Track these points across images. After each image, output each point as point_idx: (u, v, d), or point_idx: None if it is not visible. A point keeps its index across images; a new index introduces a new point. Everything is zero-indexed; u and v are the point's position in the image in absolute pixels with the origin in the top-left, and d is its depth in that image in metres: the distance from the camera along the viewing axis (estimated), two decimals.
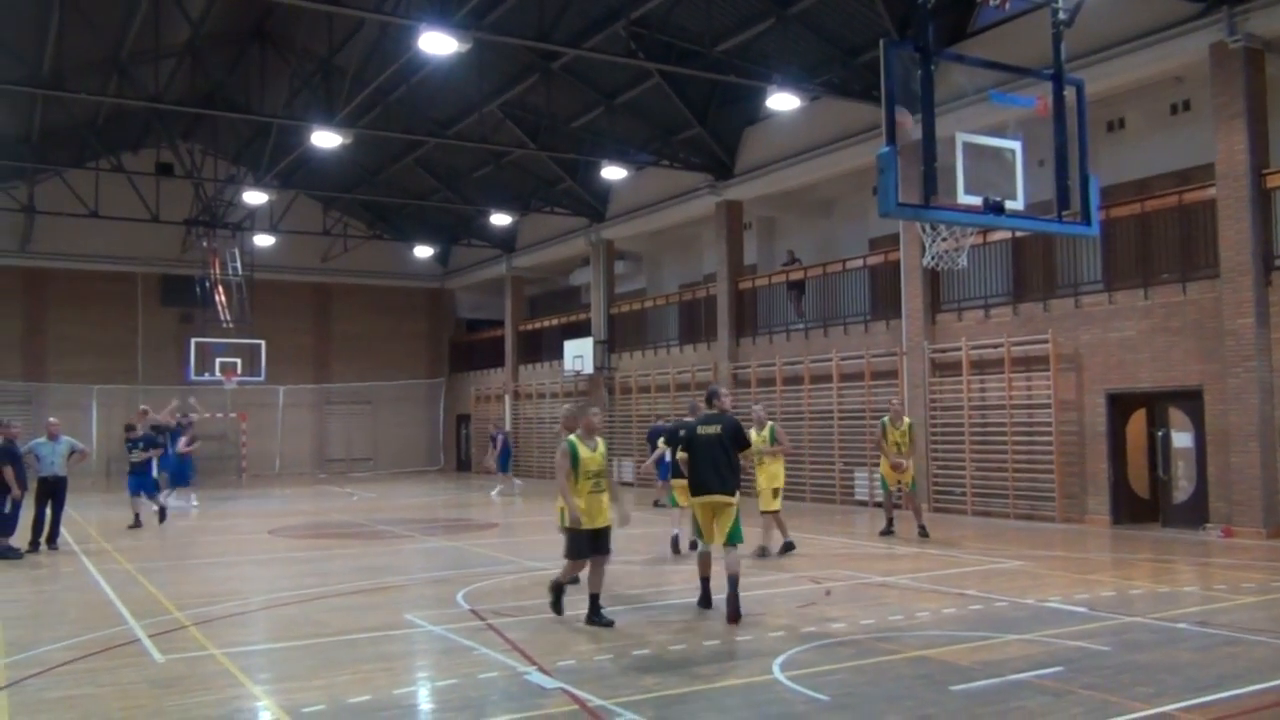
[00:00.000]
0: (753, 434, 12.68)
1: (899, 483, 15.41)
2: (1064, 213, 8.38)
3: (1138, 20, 15.69)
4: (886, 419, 15.39)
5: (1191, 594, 10.51)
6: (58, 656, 8.03)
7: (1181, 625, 8.70)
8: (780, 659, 7.57)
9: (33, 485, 15.07)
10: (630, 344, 28.55)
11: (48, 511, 15.06)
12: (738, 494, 9.58)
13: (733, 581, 9.13)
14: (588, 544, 9.13)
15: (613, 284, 30.03)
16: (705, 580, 9.82)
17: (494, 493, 25.35)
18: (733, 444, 9.59)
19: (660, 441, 14.57)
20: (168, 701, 6.72)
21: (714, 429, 9.62)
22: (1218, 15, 14.77)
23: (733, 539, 9.40)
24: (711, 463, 9.53)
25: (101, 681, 7.30)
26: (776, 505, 13.26)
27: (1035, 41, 12.53)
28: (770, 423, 13.69)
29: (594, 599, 9.11)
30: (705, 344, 25.42)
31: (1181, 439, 15.83)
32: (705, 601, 9.70)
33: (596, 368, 28.61)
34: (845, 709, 6.33)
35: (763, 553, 13.07)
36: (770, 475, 13.28)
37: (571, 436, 9.24)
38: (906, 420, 15.55)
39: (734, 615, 8.99)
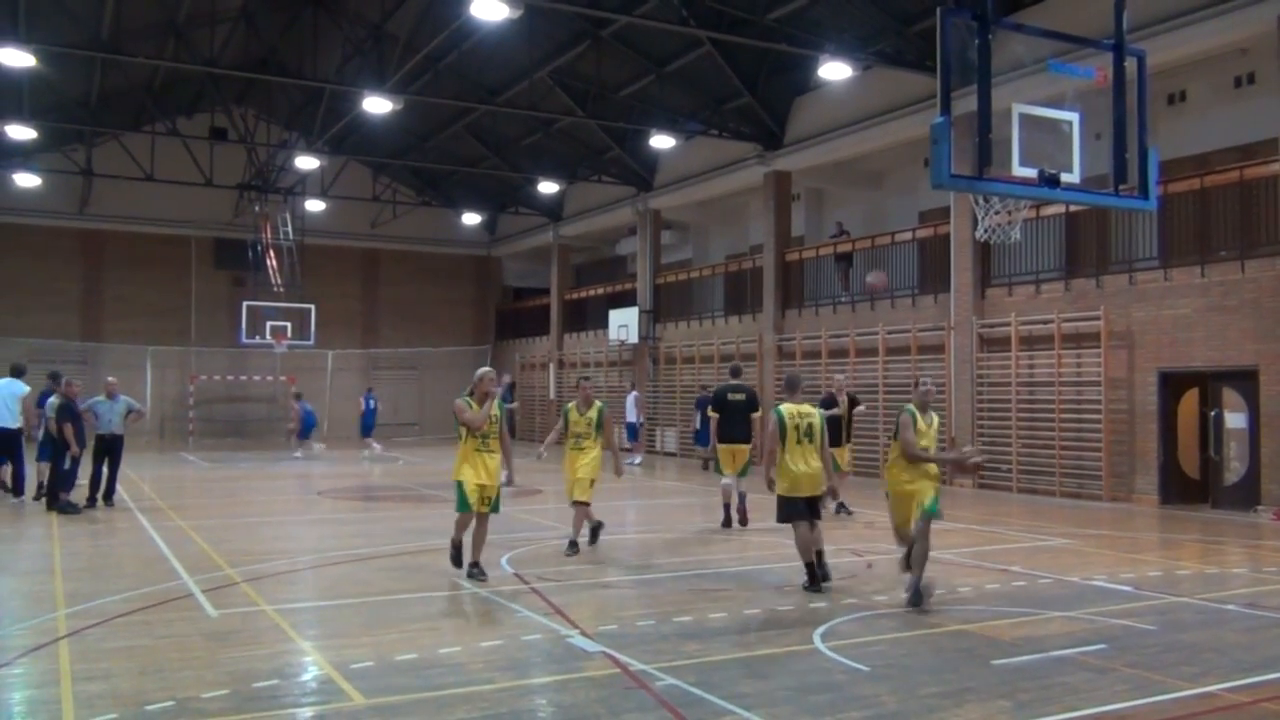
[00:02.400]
0: (573, 413, 11.69)
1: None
2: (1121, 187, 8.23)
3: None
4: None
5: (1240, 575, 10.37)
6: (115, 608, 8.27)
7: (1229, 607, 8.60)
8: (821, 629, 7.61)
9: (90, 443, 15.45)
10: (675, 314, 28.53)
11: (104, 468, 15.43)
12: (751, 442, 13.39)
13: (742, 497, 13.17)
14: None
15: (659, 253, 29.98)
16: (727, 506, 13.23)
17: (367, 454, 26.52)
18: (749, 408, 13.37)
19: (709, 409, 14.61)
20: (221, 654, 6.90)
21: (740, 396, 13.28)
22: None
23: (743, 472, 13.26)
24: (739, 420, 13.29)
25: (158, 633, 7.50)
26: (588, 496, 11.33)
27: (1096, 11, 12.28)
28: (598, 403, 11.77)
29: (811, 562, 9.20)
30: (751, 315, 25.34)
31: (1235, 419, 15.56)
32: (727, 522, 13.16)
33: (641, 337, 28.66)
34: (885, 680, 6.35)
35: (574, 548, 11.21)
36: (589, 464, 11.36)
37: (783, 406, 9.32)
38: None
39: (743, 519, 13.09)
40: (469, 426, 9.59)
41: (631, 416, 26.06)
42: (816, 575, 9.11)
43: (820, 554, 9.18)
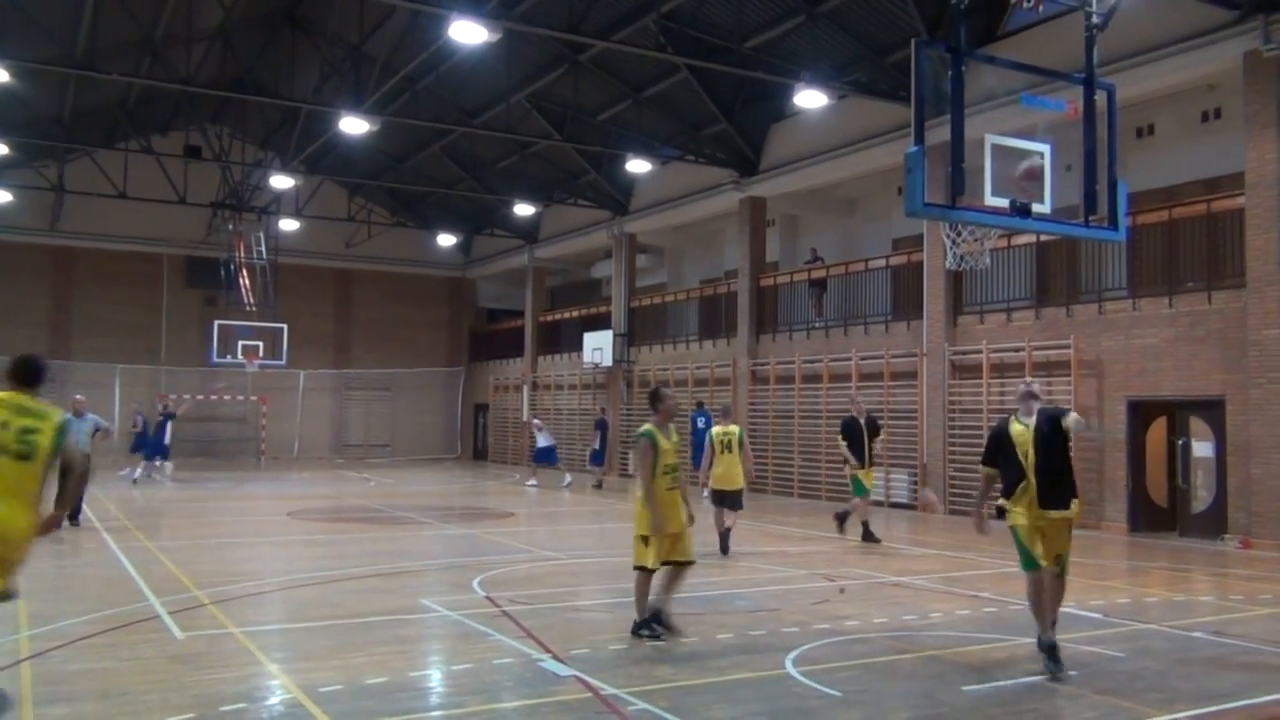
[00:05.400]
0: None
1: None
2: (1091, 218, 8.34)
3: (1171, 26, 15.57)
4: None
5: (1207, 603, 10.47)
6: (79, 630, 8.15)
7: (1196, 634, 8.68)
8: (793, 654, 7.61)
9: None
10: (650, 338, 28.58)
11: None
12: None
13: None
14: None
15: (634, 277, 30.04)
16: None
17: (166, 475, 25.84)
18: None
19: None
20: (187, 677, 6.81)
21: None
22: (1252, 23, 14.64)
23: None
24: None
25: (122, 656, 7.41)
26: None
27: (1067, 45, 12.49)
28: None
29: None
30: (725, 340, 25.42)
31: (1202, 448, 15.73)
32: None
33: (615, 361, 28.65)
34: (857, 705, 6.36)
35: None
36: None
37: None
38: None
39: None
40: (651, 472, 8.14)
41: (543, 441, 25.61)
42: (726, 546, 12.79)
43: (727, 531, 12.88)
